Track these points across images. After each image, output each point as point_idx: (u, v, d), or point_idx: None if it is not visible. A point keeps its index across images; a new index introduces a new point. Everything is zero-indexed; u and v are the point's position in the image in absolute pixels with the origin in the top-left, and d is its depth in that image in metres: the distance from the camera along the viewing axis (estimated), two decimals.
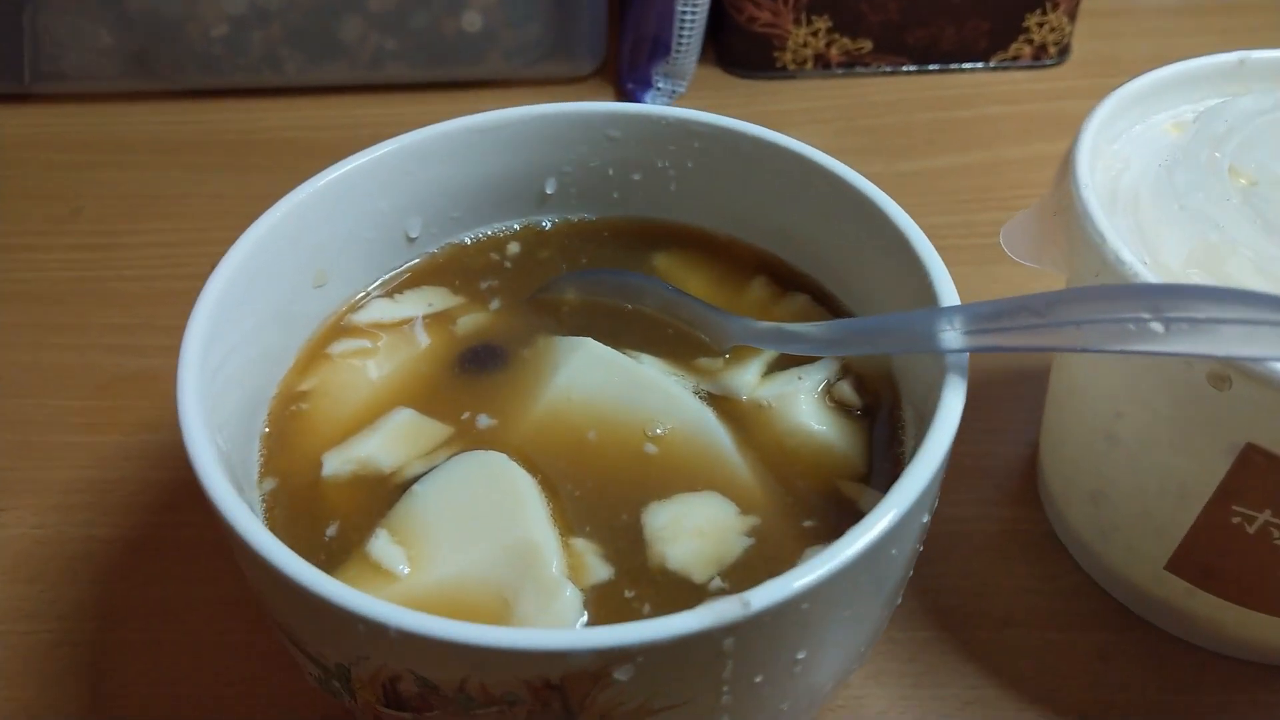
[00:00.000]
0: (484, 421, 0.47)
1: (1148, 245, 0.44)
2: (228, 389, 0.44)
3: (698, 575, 0.42)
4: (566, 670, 0.33)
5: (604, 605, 0.41)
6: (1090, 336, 0.35)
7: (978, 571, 0.55)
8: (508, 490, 0.44)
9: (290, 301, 0.48)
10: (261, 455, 0.47)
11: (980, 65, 0.91)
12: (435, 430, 0.47)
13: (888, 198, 0.48)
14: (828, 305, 0.53)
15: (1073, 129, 0.49)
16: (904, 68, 0.91)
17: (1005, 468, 0.60)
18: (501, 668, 0.34)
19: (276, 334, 0.48)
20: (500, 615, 0.40)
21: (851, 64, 0.90)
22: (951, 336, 0.39)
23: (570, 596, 0.41)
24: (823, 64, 0.90)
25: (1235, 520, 0.43)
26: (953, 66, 0.91)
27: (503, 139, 0.54)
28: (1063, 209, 0.46)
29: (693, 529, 0.43)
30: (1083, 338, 0.35)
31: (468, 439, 0.47)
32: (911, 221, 0.46)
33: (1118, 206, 0.46)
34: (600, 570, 0.42)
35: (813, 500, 0.45)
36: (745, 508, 0.44)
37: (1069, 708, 0.50)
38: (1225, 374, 0.39)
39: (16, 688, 0.50)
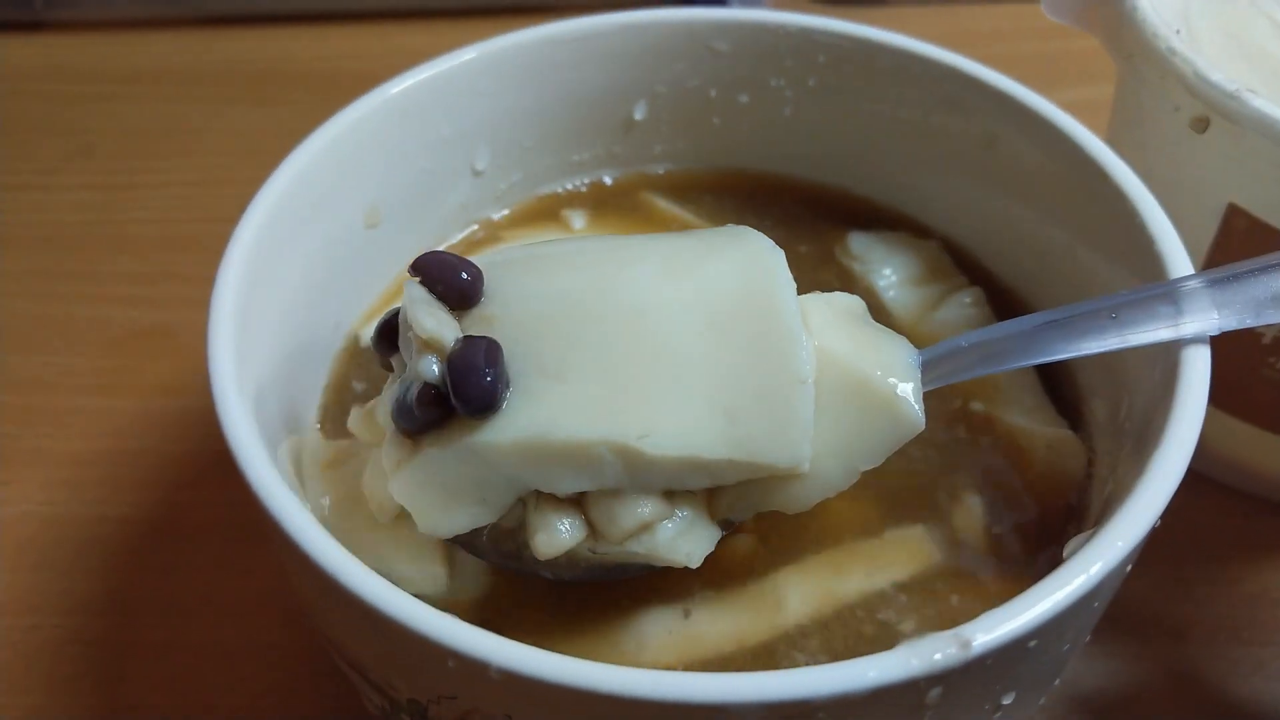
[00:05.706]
0: None
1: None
2: (273, 341, 0.37)
3: None
4: None
5: None
6: None
7: None
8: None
9: (339, 242, 0.43)
10: (321, 421, 0.41)
11: None
12: None
13: (1109, 150, 0.39)
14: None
15: None
16: None
17: None
18: None
19: (330, 275, 0.42)
20: None
21: None
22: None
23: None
24: None
25: None
26: None
27: (587, 52, 0.46)
28: None
29: None
30: None
31: None
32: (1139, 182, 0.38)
33: None
34: None
35: None
36: None
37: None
38: (1205, 115, 0.40)
39: (19, 692, 0.46)
